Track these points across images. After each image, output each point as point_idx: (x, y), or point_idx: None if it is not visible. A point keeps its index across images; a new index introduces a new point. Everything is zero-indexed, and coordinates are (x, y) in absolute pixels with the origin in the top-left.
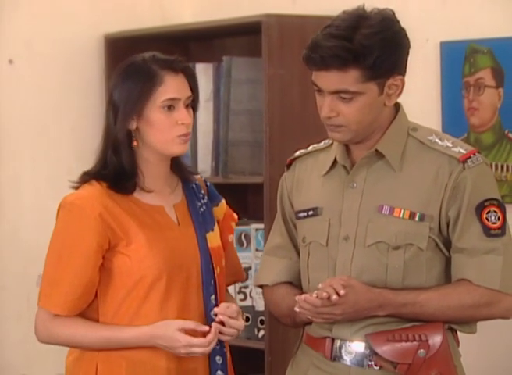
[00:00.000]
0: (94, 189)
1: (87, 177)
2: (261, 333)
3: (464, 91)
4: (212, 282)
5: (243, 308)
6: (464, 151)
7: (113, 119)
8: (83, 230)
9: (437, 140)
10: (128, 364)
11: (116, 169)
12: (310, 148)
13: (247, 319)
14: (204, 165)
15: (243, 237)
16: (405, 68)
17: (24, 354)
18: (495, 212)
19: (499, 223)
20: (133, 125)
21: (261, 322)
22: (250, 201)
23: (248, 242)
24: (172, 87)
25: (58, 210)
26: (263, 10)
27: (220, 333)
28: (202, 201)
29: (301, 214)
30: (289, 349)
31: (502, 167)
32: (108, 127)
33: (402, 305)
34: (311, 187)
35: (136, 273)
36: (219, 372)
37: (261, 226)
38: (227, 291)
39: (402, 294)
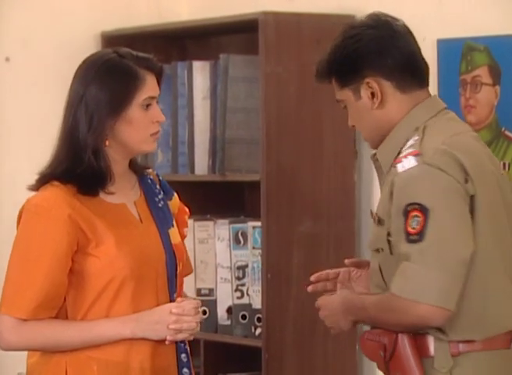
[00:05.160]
0: (59, 190)
1: (47, 179)
2: (258, 330)
3: (460, 89)
4: (175, 279)
5: (241, 307)
6: (403, 154)
7: (87, 121)
8: (52, 232)
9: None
10: (99, 366)
11: (94, 171)
12: None
13: (244, 317)
14: (201, 162)
15: (240, 234)
16: (380, 69)
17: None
18: (417, 216)
19: (417, 229)
20: (109, 126)
21: (258, 320)
22: (247, 198)
23: (245, 240)
24: (151, 85)
25: (21, 213)
26: (260, 8)
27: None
28: (159, 197)
29: None
30: (286, 347)
31: None
32: (75, 129)
33: (359, 309)
34: None
35: (108, 274)
36: (185, 369)
37: (258, 223)
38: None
39: (361, 298)
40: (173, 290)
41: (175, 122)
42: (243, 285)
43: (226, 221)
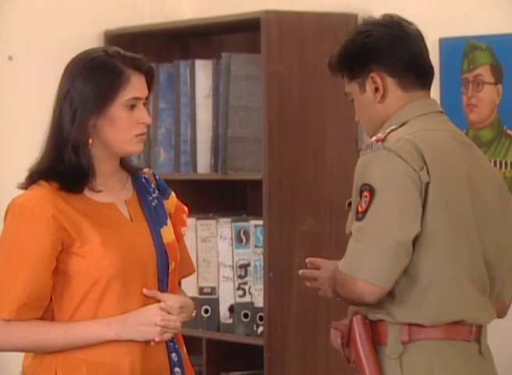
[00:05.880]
0: (45, 189)
1: (35, 177)
2: (260, 329)
3: (462, 88)
4: (166, 279)
5: (243, 305)
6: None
7: (71, 117)
8: (36, 232)
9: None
10: (89, 367)
11: (75, 168)
12: None
13: (246, 316)
14: (203, 161)
15: (242, 233)
16: (385, 65)
17: None
18: (365, 196)
19: (363, 208)
20: (92, 123)
21: (260, 318)
22: (249, 197)
23: (247, 239)
24: (136, 86)
25: (7, 212)
26: (262, 7)
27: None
28: (153, 195)
29: None
30: (288, 345)
31: (500, 163)
32: (60, 125)
33: (333, 280)
34: None
35: (93, 274)
36: (177, 368)
37: (260, 222)
38: (179, 285)
39: (336, 271)
40: (164, 289)
41: (177, 120)
42: (245, 284)
43: (228, 220)
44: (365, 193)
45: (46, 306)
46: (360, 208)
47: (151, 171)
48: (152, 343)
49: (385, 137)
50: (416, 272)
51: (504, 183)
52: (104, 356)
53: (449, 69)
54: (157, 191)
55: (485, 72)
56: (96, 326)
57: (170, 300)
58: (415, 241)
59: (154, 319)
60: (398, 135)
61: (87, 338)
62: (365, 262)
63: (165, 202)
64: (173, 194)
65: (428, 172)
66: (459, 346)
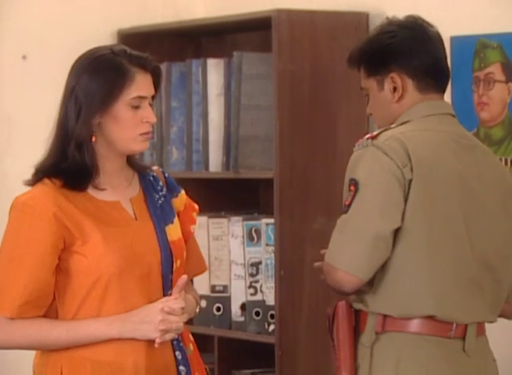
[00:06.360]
0: (47, 188)
1: (40, 175)
2: (272, 327)
3: (473, 86)
4: (170, 276)
5: (254, 303)
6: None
7: (75, 114)
8: (36, 230)
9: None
10: (93, 365)
11: (78, 165)
12: None
13: (257, 314)
14: (215, 160)
15: (253, 231)
16: (406, 67)
17: None
18: (351, 190)
19: (348, 201)
20: (96, 120)
21: (272, 316)
22: (260, 196)
23: (259, 237)
24: (141, 85)
25: (10, 210)
26: (274, 5)
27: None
28: (160, 194)
29: None
30: (299, 343)
31: None
32: (65, 122)
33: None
34: None
35: (94, 272)
36: (181, 367)
37: (272, 220)
38: (190, 283)
39: None
40: (168, 287)
41: (189, 119)
42: (256, 282)
43: (240, 218)
44: (351, 187)
45: (49, 304)
46: (346, 202)
47: (160, 169)
48: (156, 345)
49: (378, 134)
50: (390, 264)
51: None
52: (108, 354)
53: (460, 67)
54: (165, 189)
55: (496, 70)
56: (98, 324)
57: (171, 301)
58: (396, 235)
59: (156, 319)
60: (390, 133)
61: (89, 336)
62: (345, 252)
63: (174, 200)
64: (183, 192)
65: (411, 169)
66: (434, 342)
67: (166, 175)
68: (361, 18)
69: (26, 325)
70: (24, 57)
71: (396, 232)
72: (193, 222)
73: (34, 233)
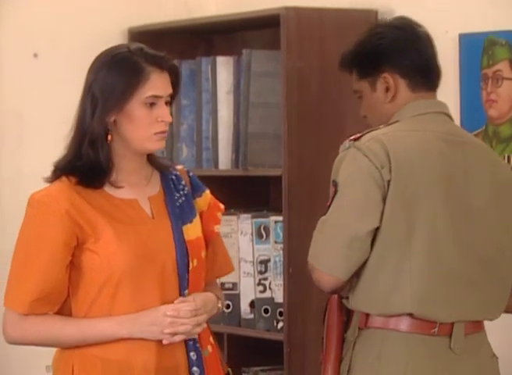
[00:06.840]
0: (63, 185)
1: (58, 172)
2: (280, 324)
3: (482, 83)
4: (187, 276)
5: (263, 301)
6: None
7: (91, 110)
8: (49, 228)
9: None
10: (103, 364)
11: (92, 163)
12: None
13: (266, 311)
14: (225, 157)
15: (262, 229)
16: (398, 67)
17: None
18: (332, 192)
19: (329, 203)
20: (111, 118)
21: (280, 314)
22: (269, 193)
23: (267, 234)
24: (157, 84)
25: (26, 207)
26: (283, 3)
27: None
28: (181, 193)
29: None
30: (308, 340)
31: None
32: (83, 118)
33: None
34: None
35: (106, 270)
36: (195, 368)
37: (280, 218)
38: (215, 282)
39: None
40: (184, 287)
41: (199, 117)
42: (265, 279)
43: (249, 216)
44: (332, 188)
45: (62, 301)
46: (327, 203)
47: (186, 168)
48: (165, 342)
49: (361, 136)
50: (368, 263)
51: None
52: (118, 353)
53: (468, 64)
54: (187, 189)
55: (504, 67)
56: (110, 323)
57: (180, 303)
58: (375, 235)
59: (164, 321)
60: (372, 135)
61: (99, 335)
62: (323, 253)
63: (197, 200)
64: (207, 191)
65: (390, 170)
66: (417, 339)
67: (191, 174)
68: (370, 15)
69: (39, 321)
70: (35, 55)
71: (376, 232)
72: (218, 222)
73: (47, 230)
